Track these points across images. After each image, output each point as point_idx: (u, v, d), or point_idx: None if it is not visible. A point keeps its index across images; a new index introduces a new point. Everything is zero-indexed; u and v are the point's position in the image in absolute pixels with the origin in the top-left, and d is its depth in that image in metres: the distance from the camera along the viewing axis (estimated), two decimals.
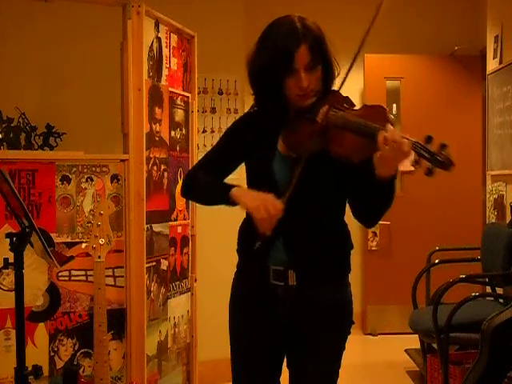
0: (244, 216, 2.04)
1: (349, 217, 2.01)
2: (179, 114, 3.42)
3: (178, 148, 3.40)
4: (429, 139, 1.69)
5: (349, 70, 1.81)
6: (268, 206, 1.83)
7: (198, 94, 3.68)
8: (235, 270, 2.13)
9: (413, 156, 1.70)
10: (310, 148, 1.85)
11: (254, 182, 2.01)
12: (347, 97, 1.94)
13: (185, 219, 3.47)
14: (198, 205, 3.36)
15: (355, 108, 1.91)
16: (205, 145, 4.31)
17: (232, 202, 1.93)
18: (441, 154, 1.66)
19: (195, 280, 3.51)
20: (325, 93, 1.93)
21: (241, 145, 2.05)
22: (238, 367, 2.10)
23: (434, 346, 3.76)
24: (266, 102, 1.96)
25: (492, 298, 4.07)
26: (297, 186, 1.86)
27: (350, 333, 2.06)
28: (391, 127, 1.75)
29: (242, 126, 2.08)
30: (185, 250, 3.46)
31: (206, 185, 2.07)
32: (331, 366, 2.04)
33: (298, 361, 2.04)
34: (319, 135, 1.85)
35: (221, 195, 1.97)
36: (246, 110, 2.14)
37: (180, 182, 3.38)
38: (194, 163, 2.20)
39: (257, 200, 1.86)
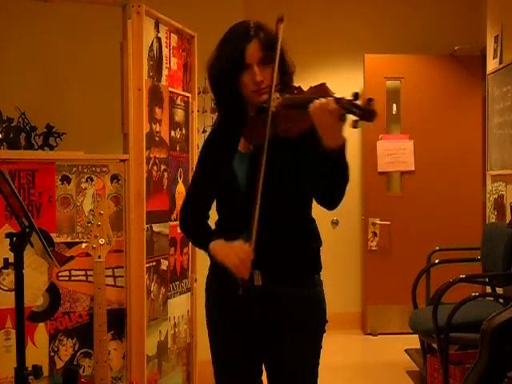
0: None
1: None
2: (179, 114, 3.42)
3: (177, 148, 3.40)
4: (355, 95, 1.71)
5: None
6: (237, 251, 1.87)
7: (198, 94, 3.68)
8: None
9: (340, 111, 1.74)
10: (264, 135, 1.89)
11: (218, 187, 2.07)
12: (299, 86, 1.98)
13: None
14: None
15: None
16: None
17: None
18: (364, 106, 1.68)
19: (195, 280, 3.50)
20: (281, 89, 1.96)
21: (213, 162, 2.09)
22: (217, 367, 2.13)
23: (434, 346, 3.75)
24: (227, 104, 2.03)
25: (492, 298, 4.07)
26: (263, 179, 1.87)
27: (324, 331, 2.06)
28: (321, 98, 1.79)
29: (209, 145, 2.13)
30: (185, 250, 3.46)
31: (193, 237, 2.20)
32: (306, 364, 2.04)
33: (273, 360, 2.05)
34: (271, 120, 1.90)
35: (203, 249, 2.06)
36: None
37: (180, 182, 3.39)
38: (187, 188, 2.32)
39: (225, 250, 1.92)
